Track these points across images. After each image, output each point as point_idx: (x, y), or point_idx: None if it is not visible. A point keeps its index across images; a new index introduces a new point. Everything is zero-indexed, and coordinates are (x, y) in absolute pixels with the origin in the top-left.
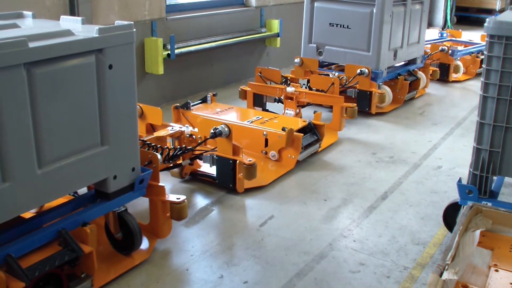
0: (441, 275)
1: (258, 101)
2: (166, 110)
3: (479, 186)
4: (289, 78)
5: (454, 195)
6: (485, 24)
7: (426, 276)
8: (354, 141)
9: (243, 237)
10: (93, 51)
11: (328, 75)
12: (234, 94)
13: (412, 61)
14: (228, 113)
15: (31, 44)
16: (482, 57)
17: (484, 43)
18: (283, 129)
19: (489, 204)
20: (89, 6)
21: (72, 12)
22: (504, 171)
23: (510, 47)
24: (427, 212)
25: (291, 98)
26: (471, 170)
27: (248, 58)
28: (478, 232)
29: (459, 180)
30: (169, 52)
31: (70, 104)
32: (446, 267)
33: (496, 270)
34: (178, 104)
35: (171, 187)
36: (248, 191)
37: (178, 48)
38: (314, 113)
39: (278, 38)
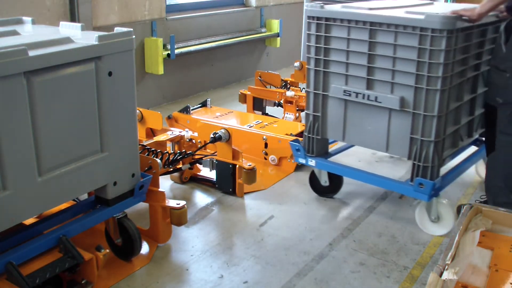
0: (441, 275)
1: (258, 105)
2: (166, 110)
3: (307, 145)
4: (288, 82)
5: (454, 195)
6: (304, 7)
7: (426, 276)
8: None
9: (243, 237)
10: (92, 59)
11: None
12: (234, 94)
13: None
14: (228, 117)
15: (31, 53)
16: None
17: None
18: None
19: (314, 161)
20: (89, 6)
21: (72, 12)
22: (325, 133)
23: (321, 25)
24: None
25: (291, 102)
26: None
27: (248, 58)
28: (478, 232)
29: (293, 141)
30: (169, 52)
31: (70, 112)
32: (446, 267)
33: (496, 270)
34: (170, 114)
35: (171, 185)
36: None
37: (178, 48)
38: None
39: (278, 38)
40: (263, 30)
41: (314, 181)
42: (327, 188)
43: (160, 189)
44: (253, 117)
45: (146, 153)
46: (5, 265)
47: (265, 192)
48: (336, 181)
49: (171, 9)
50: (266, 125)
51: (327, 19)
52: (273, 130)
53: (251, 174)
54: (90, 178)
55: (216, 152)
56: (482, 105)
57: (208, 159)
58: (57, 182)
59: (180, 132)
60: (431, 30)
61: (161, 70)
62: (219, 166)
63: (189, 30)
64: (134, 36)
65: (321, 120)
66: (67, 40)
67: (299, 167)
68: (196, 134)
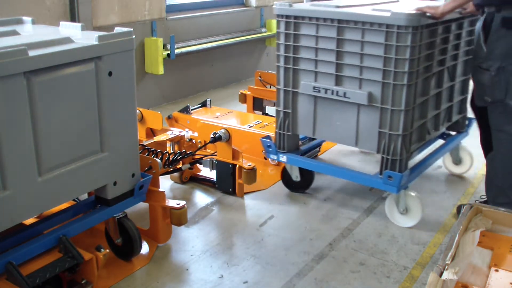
0: (441, 275)
1: (258, 105)
2: (166, 110)
3: (278, 142)
4: None
5: (454, 195)
6: (273, 6)
7: (426, 276)
8: None
9: (243, 237)
10: (92, 59)
11: None
12: (234, 94)
13: None
14: (228, 117)
15: (31, 53)
16: None
17: None
18: None
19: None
20: (89, 6)
21: (72, 12)
22: (295, 129)
23: (290, 24)
24: (427, 212)
25: None
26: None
27: (248, 58)
28: (478, 232)
29: (264, 137)
30: (169, 52)
31: (70, 112)
32: (446, 267)
33: (496, 270)
34: (170, 114)
35: (171, 185)
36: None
37: (178, 48)
38: None
39: None
40: (263, 30)
41: (286, 177)
42: (299, 183)
43: (160, 189)
44: (253, 117)
45: (146, 153)
46: (5, 265)
47: (265, 192)
48: (307, 177)
49: (171, 9)
50: (266, 125)
51: (295, 17)
52: (273, 130)
53: (251, 174)
54: (90, 178)
55: (216, 152)
56: (447, 99)
57: (208, 159)
58: (57, 182)
59: (180, 132)
60: (397, 27)
61: (161, 70)
62: (219, 166)
63: (189, 30)
64: (134, 36)
65: (291, 117)
66: (67, 40)
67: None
68: (196, 134)
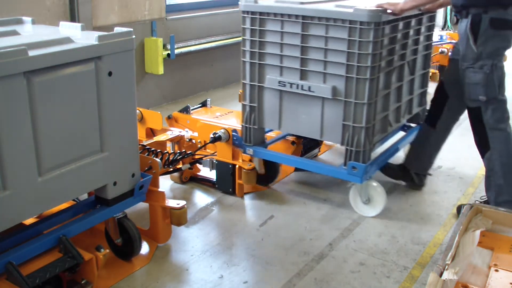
0: (441, 275)
1: None
2: (166, 110)
3: (245, 135)
4: None
5: (454, 195)
6: (239, 2)
7: (426, 276)
8: None
9: (243, 237)
10: (92, 59)
11: None
12: (234, 94)
13: None
14: (228, 117)
15: (31, 53)
16: None
17: None
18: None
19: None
20: (89, 6)
21: (72, 12)
22: (261, 123)
23: (256, 20)
24: (427, 212)
25: None
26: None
27: None
28: (478, 232)
29: (233, 131)
30: (169, 52)
31: (70, 112)
32: (446, 267)
33: (496, 270)
34: (170, 114)
35: (171, 185)
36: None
37: (178, 48)
38: None
39: None
40: None
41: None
42: (264, 176)
43: (160, 189)
44: None
45: (146, 153)
46: (5, 265)
47: (265, 192)
48: (272, 170)
49: (171, 9)
50: None
51: (261, 13)
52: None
53: (251, 174)
54: (90, 178)
55: (216, 152)
56: (408, 92)
57: (208, 159)
58: (57, 182)
59: (180, 132)
60: (359, 22)
61: (161, 70)
62: (219, 166)
63: (189, 30)
64: (134, 36)
65: (257, 110)
66: (67, 40)
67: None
68: (196, 134)
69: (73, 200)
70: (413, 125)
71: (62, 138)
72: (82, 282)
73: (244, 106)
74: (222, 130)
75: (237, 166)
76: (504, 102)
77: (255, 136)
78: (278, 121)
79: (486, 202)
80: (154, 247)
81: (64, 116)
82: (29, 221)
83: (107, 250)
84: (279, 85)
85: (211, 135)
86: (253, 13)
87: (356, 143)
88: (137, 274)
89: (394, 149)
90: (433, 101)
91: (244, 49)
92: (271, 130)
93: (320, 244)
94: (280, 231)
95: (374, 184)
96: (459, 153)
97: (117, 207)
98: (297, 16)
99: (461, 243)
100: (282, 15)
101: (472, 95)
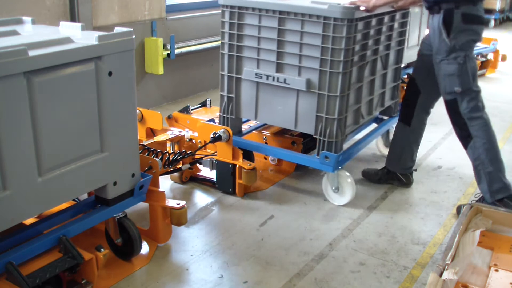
0: (441, 275)
1: None
2: (166, 110)
3: (222, 125)
4: None
5: (454, 195)
6: None
7: (426, 276)
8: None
9: (243, 237)
10: (92, 59)
11: None
12: None
13: (412, 64)
14: None
15: (31, 53)
16: (482, 59)
17: (484, 45)
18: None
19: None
20: (89, 6)
21: (72, 12)
22: (238, 113)
23: (235, 13)
24: (427, 212)
25: None
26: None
27: None
28: (478, 232)
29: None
30: (169, 52)
31: (70, 112)
32: (446, 267)
33: (496, 270)
34: (170, 114)
35: (171, 185)
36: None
37: (178, 48)
38: None
39: None
40: None
41: None
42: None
43: (160, 189)
44: None
45: (146, 153)
46: (5, 265)
47: (265, 192)
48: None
49: (171, 9)
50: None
51: (239, 7)
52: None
53: (251, 174)
54: (90, 178)
55: (216, 152)
56: (381, 86)
57: (208, 159)
58: (57, 182)
59: (180, 132)
60: (333, 19)
61: (161, 70)
62: (219, 166)
63: (189, 30)
64: (134, 36)
65: (235, 101)
66: (67, 40)
67: (299, 167)
68: (196, 134)
69: (73, 200)
70: (385, 117)
71: (62, 138)
72: (82, 282)
73: (222, 96)
74: (222, 130)
75: (237, 166)
76: (478, 92)
77: (232, 126)
78: (254, 112)
79: (481, 198)
80: (154, 247)
81: (64, 116)
82: (29, 221)
83: (107, 250)
84: (256, 77)
85: (211, 135)
86: (232, 7)
87: (329, 133)
88: (137, 274)
89: (366, 140)
90: (405, 99)
91: (223, 41)
92: (248, 120)
93: (320, 244)
94: (280, 231)
95: (346, 173)
96: (459, 153)
97: (117, 207)
98: (274, 11)
99: (461, 243)
100: (260, 9)
101: (448, 87)
